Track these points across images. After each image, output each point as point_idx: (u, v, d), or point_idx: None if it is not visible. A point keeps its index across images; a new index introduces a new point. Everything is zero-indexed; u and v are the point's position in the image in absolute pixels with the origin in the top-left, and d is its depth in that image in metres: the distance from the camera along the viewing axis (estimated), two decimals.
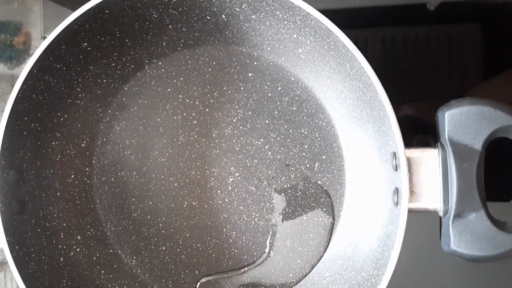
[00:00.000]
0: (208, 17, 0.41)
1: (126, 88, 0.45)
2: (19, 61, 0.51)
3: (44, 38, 0.51)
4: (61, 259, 0.42)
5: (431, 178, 0.33)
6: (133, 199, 0.45)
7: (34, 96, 0.39)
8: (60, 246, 0.43)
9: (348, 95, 0.40)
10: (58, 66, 0.40)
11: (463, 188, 0.32)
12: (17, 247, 0.38)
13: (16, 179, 0.40)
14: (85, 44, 0.40)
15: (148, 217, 0.45)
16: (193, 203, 0.44)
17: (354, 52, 0.34)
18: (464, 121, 0.32)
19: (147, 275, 0.45)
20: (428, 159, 0.33)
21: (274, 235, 0.44)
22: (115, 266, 0.45)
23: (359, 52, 0.33)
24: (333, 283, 0.40)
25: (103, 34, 0.40)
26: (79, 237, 0.44)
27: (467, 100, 0.32)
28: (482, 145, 0.32)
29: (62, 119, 0.43)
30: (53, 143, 0.43)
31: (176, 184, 0.45)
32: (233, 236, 0.44)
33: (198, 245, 0.44)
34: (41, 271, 0.40)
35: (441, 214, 0.33)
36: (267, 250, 0.44)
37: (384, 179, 0.37)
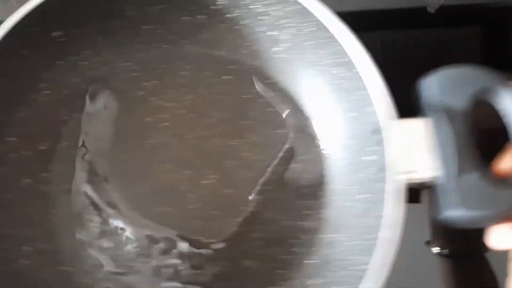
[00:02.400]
0: (184, 17, 0.41)
1: (94, 90, 0.43)
2: None
3: None
4: (4, 270, 0.36)
5: (422, 147, 0.32)
6: (93, 210, 0.41)
7: None
8: (4, 256, 0.37)
9: (324, 88, 0.40)
10: (27, 52, 0.38)
11: (457, 150, 0.31)
12: None
13: None
14: (58, 32, 0.39)
15: (109, 229, 0.40)
16: (165, 209, 0.40)
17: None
18: (446, 85, 0.32)
19: None
20: (416, 128, 0.32)
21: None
22: (67, 284, 0.39)
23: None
24: None
25: (76, 25, 0.39)
26: (27, 249, 0.38)
27: (445, 68, 0.33)
28: (468, 105, 0.32)
29: (22, 114, 0.40)
30: (9, 139, 0.39)
31: (146, 189, 0.41)
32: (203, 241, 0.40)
33: (168, 256, 0.40)
34: None
35: (436, 181, 0.31)
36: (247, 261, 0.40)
37: (372, 161, 0.36)
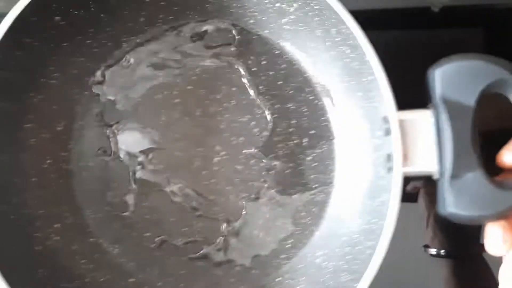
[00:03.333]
0: None
1: (102, 68, 0.43)
2: None
3: None
4: (38, 248, 0.40)
5: (425, 140, 0.32)
6: (115, 184, 0.43)
7: (4, 72, 0.37)
8: (36, 235, 0.40)
9: (336, 65, 0.38)
10: (29, 40, 0.38)
11: (458, 147, 0.30)
12: None
13: None
14: (58, 17, 0.38)
15: (131, 202, 0.43)
16: (178, 185, 0.42)
17: (339, 11, 0.32)
18: (456, 78, 0.31)
19: (131, 263, 0.42)
20: (421, 120, 0.32)
21: (263, 216, 0.42)
22: (96, 255, 0.42)
23: (345, 11, 0.32)
24: (327, 261, 0.39)
25: (77, 7, 0.38)
26: (56, 226, 0.42)
27: (457, 56, 0.31)
28: (475, 102, 0.30)
29: (35, 100, 0.41)
30: (26, 125, 0.41)
31: (160, 166, 0.43)
32: (220, 218, 0.42)
33: (185, 229, 0.42)
34: (16, 259, 0.37)
35: (436, 176, 0.31)
36: (256, 232, 0.42)
37: (376, 147, 0.36)
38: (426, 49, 0.44)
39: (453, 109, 0.30)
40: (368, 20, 0.32)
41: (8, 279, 0.34)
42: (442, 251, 0.44)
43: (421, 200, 0.46)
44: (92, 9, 0.39)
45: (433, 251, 0.45)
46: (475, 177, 0.30)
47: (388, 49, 0.38)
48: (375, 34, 0.32)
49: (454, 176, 0.30)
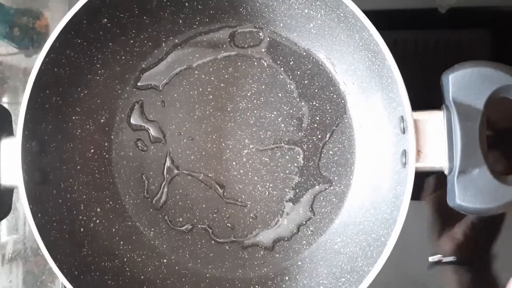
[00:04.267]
0: None
1: (143, 65, 0.47)
2: (40, 44, 0.53)
3: None
4: (82, 229, 0.44)
5: (437, 138, 0.35)
6: (151, 173, 0.47)
7: (56, 69, 0.41)
8: (80, 217, 0.44)
9: (358, 67, 0.42)
10: (79, 41, 0.42)
11: (467, 146, 0.33)
12: (39, 214, 0.40)
13: (38, 150, 0.41)
14: (105, 20, 0.42)
15: (166, 189, 0.47)
16: (209, 174, 0.46)
17: (363, 20, 0.35)
18: (467, 83, 0.34)
19: (164, 245, 0.46)
20: (434, 121, 0.35)
21: (287, 204, 0.45)
22: (133, 237, 0.46)
23: (368, 20, 0.35)
24: (344, 247, 0.42)
25: (123, 10, 0.42)
26: (98, 209, 0.46)
27: (469, 62, 0.34)
28: (484, 105, 0.33)
29: (82, 94, 0.45)
30: (74, 117, 0.45)
31: (192, 157, 0.46)
32: (248, 205, 0.46)
33: (214, 215, 0.46)
34: (62, 239, 0.41)
35: (446, 172, 0.35)
36: (280, 219, 0.45)
37: (393, 143, 0.39)
38: (432, 50, 0.46)
39: (463, 111, 0.33)
40: (374, 21, 0.35)
41: (55, 258, 0.39)
42: (452, 258, 0.46)
43: (431, 205, 0.48)
44: (136, 12, 0.43)
45: (443, 258, 0.46)
46: (481, 173, 0.33)
47: (395, 49, 0.41)
48: (382, 35, 0.35)
49: (462, 171, 0.33)
